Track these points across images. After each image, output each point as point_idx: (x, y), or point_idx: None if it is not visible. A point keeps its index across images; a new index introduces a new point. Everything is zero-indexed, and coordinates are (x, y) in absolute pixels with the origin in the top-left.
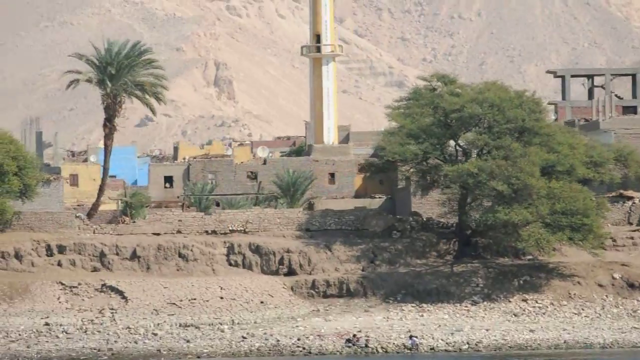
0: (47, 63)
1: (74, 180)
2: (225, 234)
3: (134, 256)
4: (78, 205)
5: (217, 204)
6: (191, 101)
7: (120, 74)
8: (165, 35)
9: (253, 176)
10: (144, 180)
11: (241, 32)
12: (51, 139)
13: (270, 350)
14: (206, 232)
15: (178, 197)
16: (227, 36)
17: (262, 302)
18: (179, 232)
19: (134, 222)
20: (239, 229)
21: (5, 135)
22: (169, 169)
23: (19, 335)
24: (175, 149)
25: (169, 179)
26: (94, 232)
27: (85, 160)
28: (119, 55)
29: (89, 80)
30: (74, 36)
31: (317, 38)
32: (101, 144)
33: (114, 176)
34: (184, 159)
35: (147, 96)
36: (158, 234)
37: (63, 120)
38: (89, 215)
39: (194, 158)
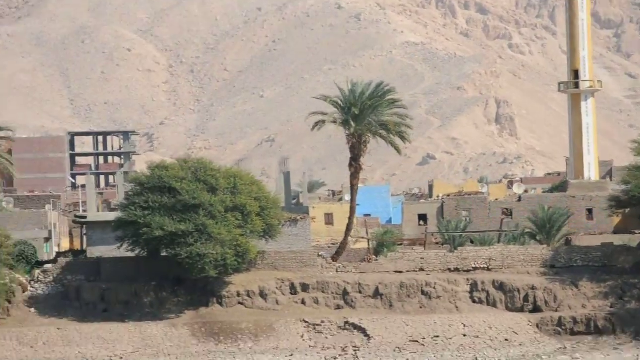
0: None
1: (329, 219)
2: (468, 271)
3: (377, 294)
4: (332, 244)
5: (472, 242)
6: (473, 139)
7: (364, 115)
8: (447, 74)
9: (508, 213)
10: (398, 219)
11: (523, 70)
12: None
13: None
14: (449, 269)
15: (432, 234)
16: (508, 74)
17: (506, 340)
18: (421, 269)
19: (377, 260)
20: (482, 266)
21: (247, 177)
22: (423, 207)
23: None
24: (430, 187)
25: (423, 217)
26: (336, 271)
27: (340, 200)
28: (362, 96)
29: (333, 121)
30: (359, 78)
31: (575, 74)
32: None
33: (369, 215)
34: (438, 196)
35: (391, 136)
36: (400, 272)
37: (333, 161)
38: (337, 253)
39: (448, 196)
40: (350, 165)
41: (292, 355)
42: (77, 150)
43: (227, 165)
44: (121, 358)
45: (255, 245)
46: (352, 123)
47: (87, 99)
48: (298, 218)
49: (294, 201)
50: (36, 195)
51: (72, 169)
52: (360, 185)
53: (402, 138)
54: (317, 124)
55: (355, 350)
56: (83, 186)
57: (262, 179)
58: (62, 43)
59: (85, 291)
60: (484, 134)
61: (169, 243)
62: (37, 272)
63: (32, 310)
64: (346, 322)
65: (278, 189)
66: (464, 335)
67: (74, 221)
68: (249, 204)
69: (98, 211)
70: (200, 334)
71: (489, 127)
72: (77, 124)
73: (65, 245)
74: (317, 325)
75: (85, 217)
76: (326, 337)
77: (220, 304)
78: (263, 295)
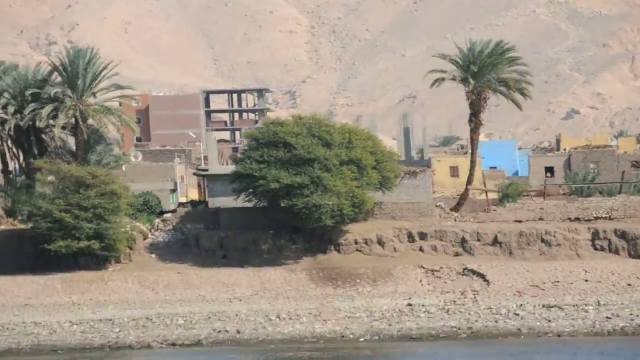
0: None
1: (454, 171)
2: (588, 220)
3: (495, 242)
4: (457, 196)
5: (600, 192)
6: (618, 94)
7: (483, 72)
8: (591, 32)
9: (637, 165)
10: (524, 171)
11: None
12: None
13: (635, 330)
14: (569, 219)
15: (560, 185)
16: None
17: (629, 285)
18: (540, 219)
19: (495, 210)
20: (603, 216)
21: (363, 132)
22: (549, 159)
23: (382, 314)
24: (558, 141)
25: (549, 169)
26: (455, 220)
27: (466, 153)
28: (481, 54)
29: (452, 79)
30: (502, 37)
31: None
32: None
33: (495, 167)
34: (564, 149)
35: (512, 92)
36: (520, 221)
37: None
38: (458, 204)
39: (575, 149)
40: (470, 120)
41: (410, 298)
42: (215, 107)
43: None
44: (240, 300)
45: (371, 196)
46: (471, 80)
47: (230, 59)
48: (417, 171)
49: (419, 155)
50: (167, 150)
51: (207, 125)
52: (485, 139)
53: (523, 94)
54: (436, 81)
55: (474, 294)
56: (220, 141)
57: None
58: (205, 7)
59: (205, 238)
60: (630, 89)
61: (285, 195)
62: (157, 220)
63: (153, 256)
64: (465, 268)
65: (399, 143)
66: (586, 281)
67: (194, 174)
68: (364, 158)
69: (224, 165)
70: (319, 279)
71: (636, 82)
72: (220, 82)
73: (194, 196)
74: (436, 270)
75: (206, 170)
76: (445, 282)
77: (338, 251)
78: (381, 242)
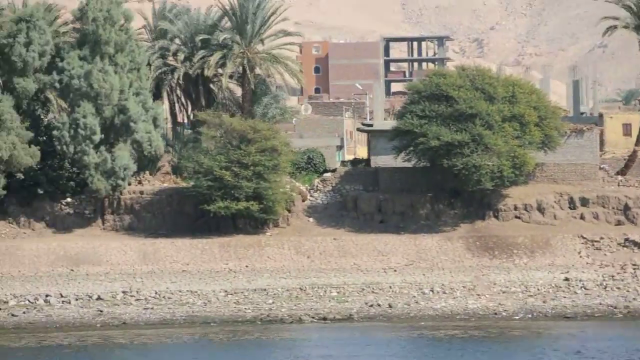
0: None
1: (626, 129)
2: None
3: None
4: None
5: None
6: None
7: None
8: None
9: None
10: None
11: None
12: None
13: None
14: None
15: None
16: None
17: None
18: None
19: None
20: None
21: (527, 85)
22: None
23: (537, 290)
24: None
25: None
26: (618, 185)
27: None
28: None
29: (625, 26)
30: None
31: None
32: None
33: None
34: None
35: None
36: None
37: None
38: (626, 166)
39: None
40: None
41: (567, 272)
42: (397, 56)
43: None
44: (395, 270)
45: (533, 157)
46: None
47: (418, 4)
48: (584, 129)
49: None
50: (341, 102)
51: (386, 76)
52: None
53: None
54: (608, 29)
55: (634, 269)
56: (396, 93)
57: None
58: None
59: (363, 201)
60: None
61: (445, 154)
62: (316, 181)
63: (311, 219)
64: (626, 239)
65: (568, 98)
66: None
67: (358, 129)
68: (528, 114)
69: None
70: (475, 248)
71: None
72: (408, 28)
73: (363, 154)
74: (596, 241)
75: (370, 125)
76: (604, 254)
77: (497, 217)
78: (540, 209)
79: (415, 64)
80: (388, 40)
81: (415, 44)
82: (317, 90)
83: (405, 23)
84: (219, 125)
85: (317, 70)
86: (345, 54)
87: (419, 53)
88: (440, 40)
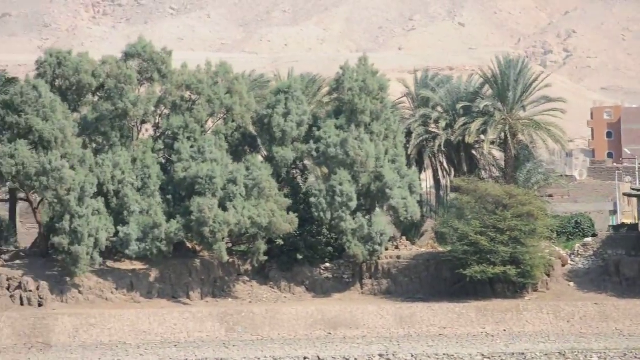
0: None
1: None
2: None
3: None
4: None
5: None
6: None
7: None
8: None
9: None
10: None
11: None
12: None
13: None
14: None
15: None
16: None
17: None
18: None
19: None
20: None
21: None
22: None
23: None
24: None
25: None
26: None
27: None
28: None
29: None
30: None
31: None
32: None
33: None
34: None
35: None
36: None
37: None
38: None
39: None
40: None
41: None
42: None
43: None
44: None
45: None
46: None
47: None
48: None
49: None
50: (617, 167)
51: None
52: None
53: None
54: None
55: None
56: None
57: None
58: None
59: (626, 266)
60: None
61: None
62: (577, 245)
63: (571, 284)
64: None
65: None
66: None
67: (624, 194)
68: None
69: None
70: None
71: None
72: None
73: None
74: None
75: (638, 190)
76: None
77: None
78: None
79: None
80: None
81: None
82: (609, 155)
83: None
84: (474, 191)
85: (609, 135)
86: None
87: None
88: None
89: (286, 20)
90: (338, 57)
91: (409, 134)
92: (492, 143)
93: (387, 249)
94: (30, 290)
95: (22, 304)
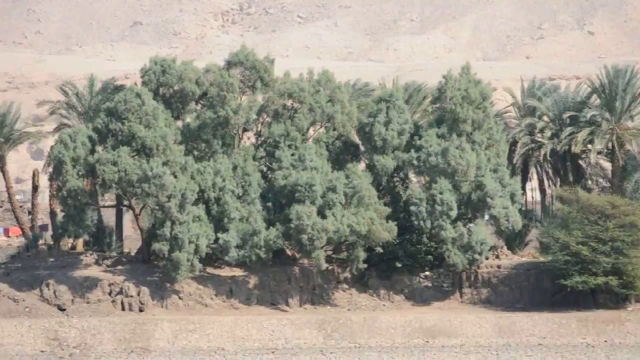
0: None
1: None
2: None
3: None
4: None
5: None
6: None
7: None
8: None
9: None
10: None
11: None
12: None
13: None
14: None
15: None
16: None
17: None
18: None
19: None
20: None
21: None
22: None
23: None
24: None
25: None
26: None
27: None
28: None
29: None
30: None
31: None
32: None
33: None
34: None
35: None
36: None
37: None
38: None
39: None
40: None
41: None
42: None
43: None
44: None
45: None
46: None
47: None
48: None
49: None
50: None
51: None
52: None
53: None
54: None
55: None
56: None
57: None
58: None
59: None
60: None
61: None
62: None
63: None
64: None
65: None
66: None
67: None
68: None
69: None
70: None
71: None
72: None
73: None
74: None
75: None
76: None
77: None
78: None
79: None
80: None
81: None
82: None
83: None
84: (576, 201)
85: None
86: None
87: None
88: None
89: (413, 29)
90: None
91: (514, 143)
92: (599, 153)
93: (487, 258)
94: (132, 296)
95: (123, 309)
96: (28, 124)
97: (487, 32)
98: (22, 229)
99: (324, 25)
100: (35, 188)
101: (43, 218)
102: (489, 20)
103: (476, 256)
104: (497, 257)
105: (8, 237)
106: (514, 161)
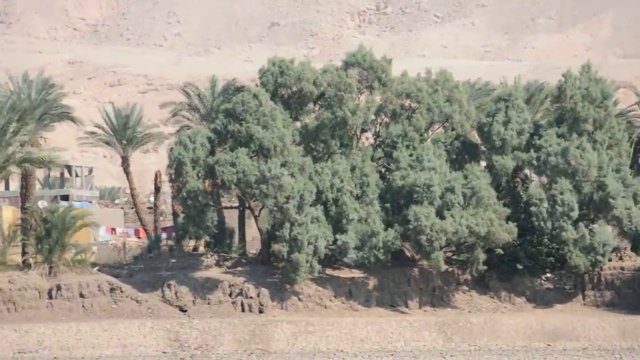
0: None
1: None
2: None
3: None
4: None
5: None
6: None
7: None
8: None
9: None
10: None
11: None
12: None
13: None
14: None
15: None
16: None
17: None
18: None
19: None
20: None
21: None
22: None
23: None
24: None
25: None
26: None
27: None
28: None
29: None
30: None
31: None
32: None
33: None
34: None
35: None
36: None
37: None
38: None
39: None
40: None
41: None
42: None
43: None
44: None
45: None
46: None
47: None
48: None
49: None
50: None
51: None
52: None
53: None
54: None
55: None
56: None
57: None
58: None
59: None
60: None
61: None
62: None
63: None
64: None
65: None
66: None
67: None
68: None
69: None
70: None
71: None
72: None
73: None
74: None
75: None
76: None
77: None
78: None
79: None
80: None
81: None
82: None
83: None
84: None
85: None
86: None
87: None
88: None
89: (551, 27)
90: (602, 64)
91: (638, 142)
92: None
93: (610, 260)
94: (251, 297)
95: (243, 310)
96: (149, 126)
97: (628, 29)
98: (145, 230)
99: (461, 24)
100: (157, 189)
101: (164, 220)
102: (630, 17)
103: (599, 258)
104: (621, 258)
105: (139, 237)
106: (639, 161)
